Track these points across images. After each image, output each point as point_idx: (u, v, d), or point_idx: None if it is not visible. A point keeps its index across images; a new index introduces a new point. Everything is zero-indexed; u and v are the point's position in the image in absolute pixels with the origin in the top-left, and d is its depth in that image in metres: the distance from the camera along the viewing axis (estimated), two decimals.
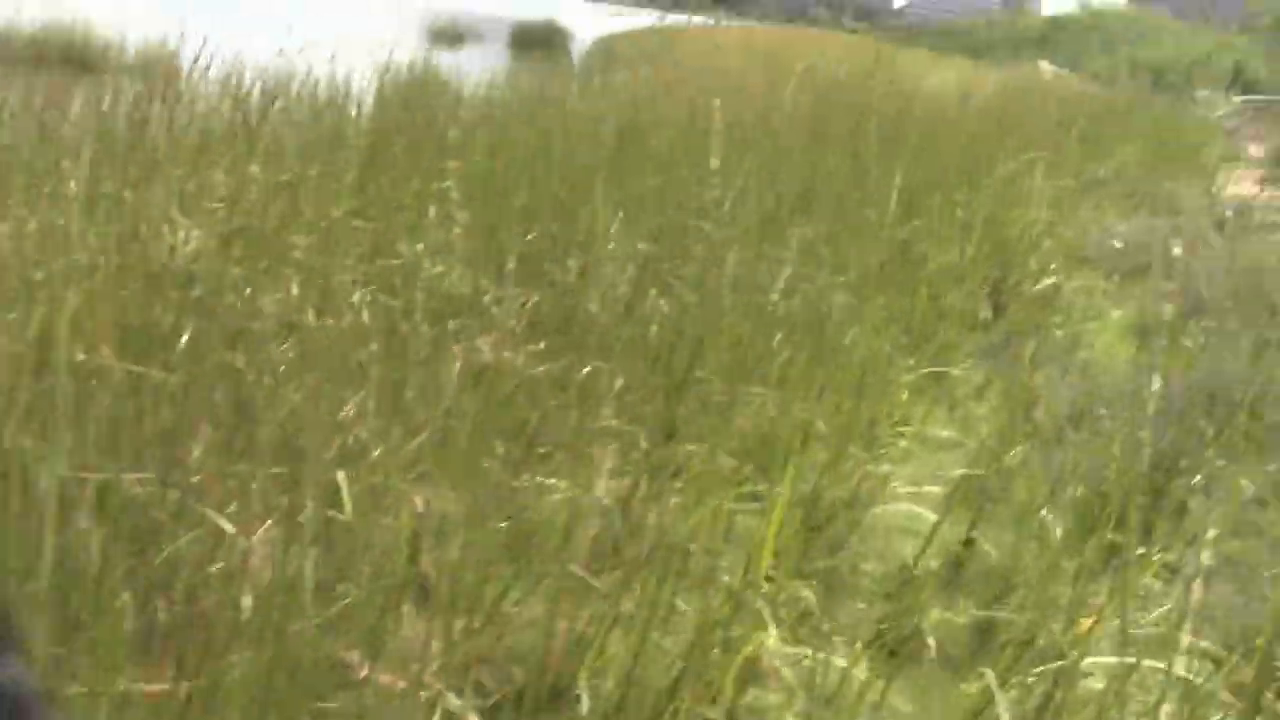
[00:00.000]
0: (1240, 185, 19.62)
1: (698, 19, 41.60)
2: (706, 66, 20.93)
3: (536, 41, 45.41)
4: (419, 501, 4.23)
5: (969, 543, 5.48)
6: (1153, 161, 18.43)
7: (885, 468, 5.90)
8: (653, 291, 6.68)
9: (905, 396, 6.95)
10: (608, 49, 37.36)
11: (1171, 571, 5.55)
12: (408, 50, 14.65)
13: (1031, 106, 19.97)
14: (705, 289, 6.49)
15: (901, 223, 9.01)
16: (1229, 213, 16.36)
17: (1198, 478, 6.29)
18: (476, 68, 15.79)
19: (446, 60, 17.63)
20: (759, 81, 16.40)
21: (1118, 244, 11.60)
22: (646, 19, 56.31)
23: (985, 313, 9.02)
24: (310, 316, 5.16)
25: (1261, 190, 18.51)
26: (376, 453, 4.40)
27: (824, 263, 7.53)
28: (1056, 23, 49.96)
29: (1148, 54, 38.46)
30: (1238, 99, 30.31)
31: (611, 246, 7.02)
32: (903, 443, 6.41)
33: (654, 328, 6.28)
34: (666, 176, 8.52)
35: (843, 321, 6.87)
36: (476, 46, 42.59)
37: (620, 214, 7.37)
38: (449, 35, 43.80)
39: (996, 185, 10.53)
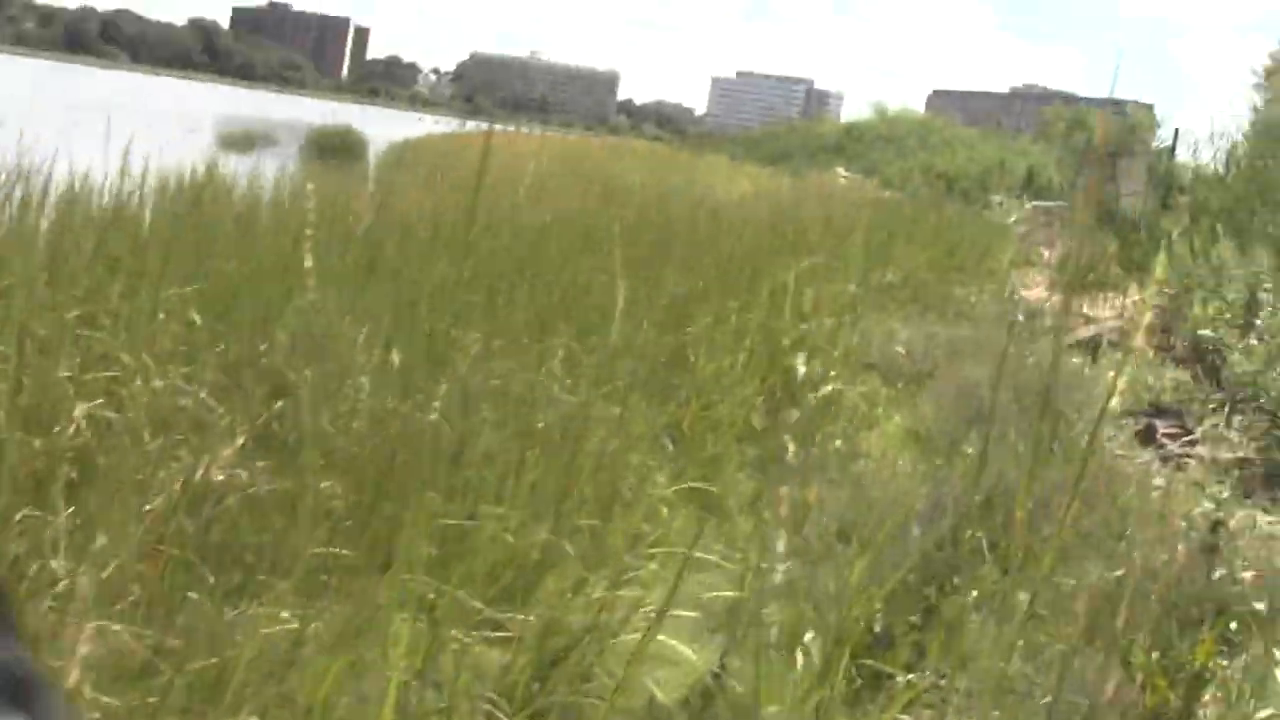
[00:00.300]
0: (1032, 289, 19.73)
1: (499, 126, 41.31)
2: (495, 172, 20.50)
3: (332, 147, 44.85)
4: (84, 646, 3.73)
5: (719, 674, 5.05)
6: (943, 266, 18.41)
7: (637, 592, 5.50)
8: (404, 404, 6.25)
9: (666, 513, 6.57)
10: (401, 155, 36.99)
11: (942, 698, 5.21)
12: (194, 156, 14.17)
13: (823, 212, 19.95)
14: (460, 402, 6.10)
15: (674, 330, 8.72)
16: (1019, 317, 16.38)
17: (973, 593, 6.01)
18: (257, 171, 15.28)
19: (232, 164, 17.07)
20: (544, 187, 16.21)
21: (900, 349, 11.40)
22: (446, 126, 56.24)
23: (760, 422, 8.69)
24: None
25: (1051, 294, 18.59)
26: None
27: (585, 374, 7.18)
28: (853, 131, 50.62)
29: (942, 160, 39.03)
30: (1030, 204, 30.70)
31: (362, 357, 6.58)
32: (652, 565, 5.98)
33: (394, 445, 5.84)
34: (428, 282, 8.10)
35: (601, 435, 6.50)
36: (271, 151, 42.10)
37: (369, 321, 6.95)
38: (240, 141, 43.21)
39: (775, 291, 10.29)
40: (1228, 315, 10.52)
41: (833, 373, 9.62)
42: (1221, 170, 20.21)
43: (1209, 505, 6.04)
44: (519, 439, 6.16)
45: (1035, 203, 30.76)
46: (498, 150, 24.70)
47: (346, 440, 5.79)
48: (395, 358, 6.77)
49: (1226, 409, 9.31)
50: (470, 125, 62.51)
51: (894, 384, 10.60)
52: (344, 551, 5.02)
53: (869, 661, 5.25)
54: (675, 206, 15.40)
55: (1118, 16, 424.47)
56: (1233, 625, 5.53)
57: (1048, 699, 4.81)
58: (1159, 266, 14.61)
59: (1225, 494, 6.91)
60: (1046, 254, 24.62)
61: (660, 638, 5.05)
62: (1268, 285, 10.31)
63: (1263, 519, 7.80)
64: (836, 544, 6.42)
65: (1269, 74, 21.25)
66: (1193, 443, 9.85)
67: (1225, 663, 5.23)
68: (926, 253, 18.58)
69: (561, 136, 56.88)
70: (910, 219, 21.27)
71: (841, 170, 39.25)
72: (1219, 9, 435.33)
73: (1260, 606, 5.68)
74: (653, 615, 5.37)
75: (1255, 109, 20.43)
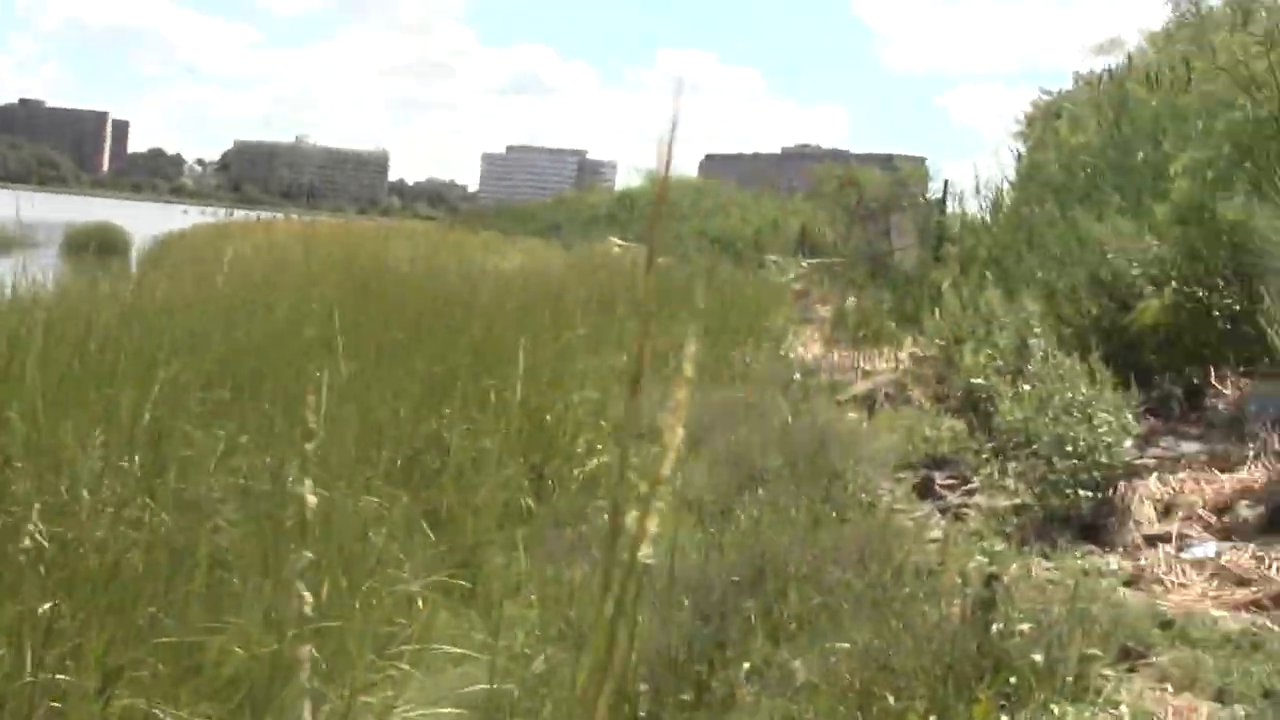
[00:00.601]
0: (810, 347, 19.72)
1: (266, 215, 40.77)
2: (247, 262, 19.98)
3: (91, 243, 43.71)
4: None
5: None
6: (716, 330, 18.26)
7: (388, 693, 5.13)
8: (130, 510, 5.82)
9: (421, 606, 6.21)
10: (164, 249, 36.15)
11: None
12: None
13: (593, 283, 19.76)
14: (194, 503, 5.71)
15: (429, 413, 8.39)
16: (796, 376, 16.30)
17: (745, 666, 5.75)
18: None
19: None
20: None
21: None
22: (213, 217, 55.29)
23: (527, 501, 8.37)
24: None
25: (829, 351, 18.58)
26: None
27: (329, 466, 6.81)
28: (624, 199, 50.69)
29: (715, 224, 39.19)
30: (805, 263, 30.92)
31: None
32: (404, 665, 5.61)
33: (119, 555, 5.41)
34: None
35: (351, 528, 6.14)
36: (31, 253, 40.94)
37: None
38: None
39: (539, 367, 10.00)
40: (999, 362, 10.46)
41: (599, 446, 9.33)
42: (988, 219, 20.43)
43: (982, 559, 5.85)
44: (258, 540, 5.78)
45: (810, 260, 31.00)
46: (255, 235, 24.19)
47: (67, 555, 5.34)
48: (127, 462, 6.32)
49: (1001, 457, 9.22)
50: (239, 214, 61.69)
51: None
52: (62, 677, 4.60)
53: None
54: (435, 286, 15.02)
55: (884, 74, 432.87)
56: (1012, 680, 5.32)
57: None
58: (928, 318, 14.75)
59: (998, 546, 6.77)
60: (823, 310, 24.75)
61: None
62: (1037, 330, 10.26)
63: (1040, 565, 7.68)
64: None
65: (1029, 121, 21.56)
66: (971, 492, 9.75)
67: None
68: (700, 318, 18.40)
69: (330, 221, 56.25)
70: (681, 286, 21.11)
71: (615, 239, 39.19)
72: (985, 61, 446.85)
73: (1038, 658, 5.49)
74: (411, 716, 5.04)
75: (1018, 156, 20.69)
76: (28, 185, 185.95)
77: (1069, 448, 8.33)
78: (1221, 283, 11.39)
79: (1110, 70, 18.83)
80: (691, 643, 5.73)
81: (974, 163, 51.38)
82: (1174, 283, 11.45)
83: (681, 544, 7.78)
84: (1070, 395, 8.63)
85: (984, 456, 9.05)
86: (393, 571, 6.83)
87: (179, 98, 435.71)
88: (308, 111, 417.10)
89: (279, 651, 4.82)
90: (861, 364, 17.12)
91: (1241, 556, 7.71)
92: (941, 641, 5.27)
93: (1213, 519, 8.60)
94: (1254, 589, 7.12)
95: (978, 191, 21.34)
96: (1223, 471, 9.42)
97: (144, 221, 51.03)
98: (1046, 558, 7.86)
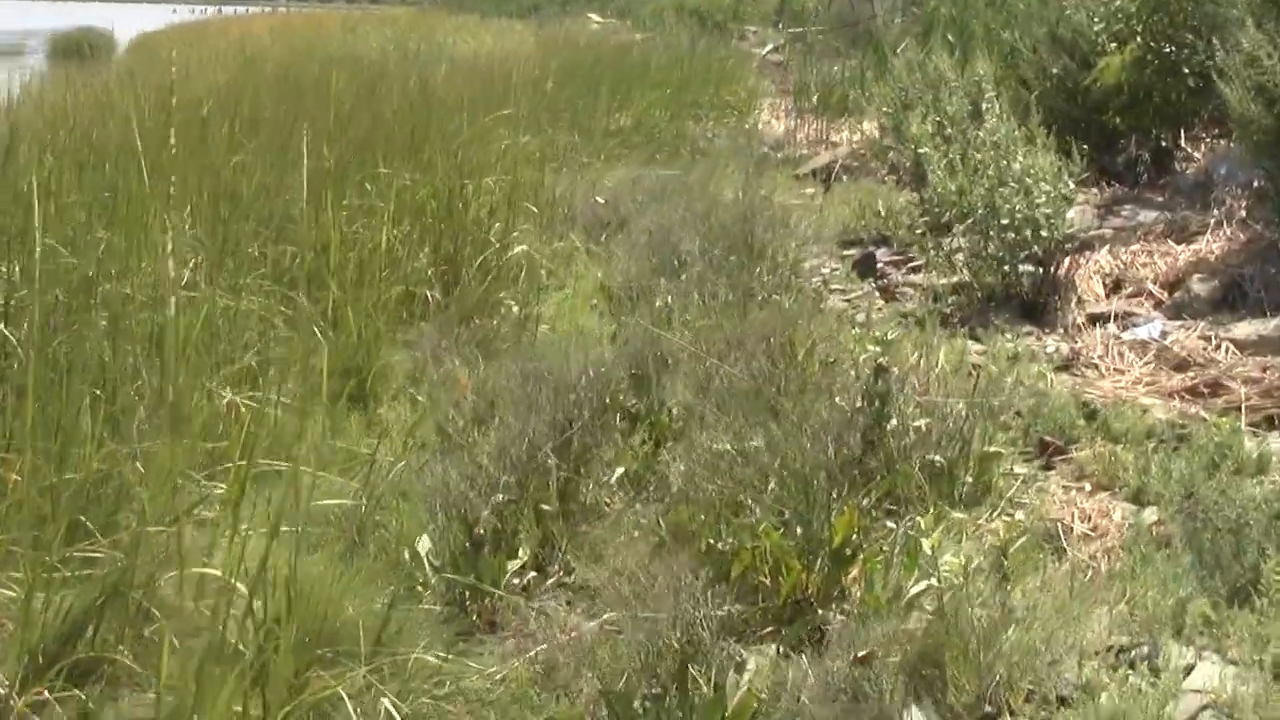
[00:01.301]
0: (780, 120, 19.01)
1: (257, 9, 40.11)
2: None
3: (76, 49, 43.15)
4: None
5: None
6: (679, 104, 17.58)
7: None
8: None
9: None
10: (145, 46, 35.56)
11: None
12: None
13: (549, 60, 19.07)
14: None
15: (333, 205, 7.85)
16: (764, 149, 15.67)
17: (619, 470, 5.32)
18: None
19: None
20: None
21: (601, 200, 10.56)
22: (203, 14, 54.67)
23: (435, 295, 7.85)
24: None
25: (801, 124, 17.86)
26: None
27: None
28: None
29: None
30: (787, 32, 30.02)
31: None
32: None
33: None
34: None
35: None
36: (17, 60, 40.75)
37: None
38: None
39: (464, 151, 9.42)
40: (948, 130, 9.80)
41: (515, 233, 8.78)
42: None
43: (874, 348, 5.32)
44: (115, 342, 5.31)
45: (791, 30, 30.07)
46: (230, 30, 23.75)
47: None
48: None
49: (937, 232, 8.65)
50: (227, 10, 60.85)
51: (598, 239, 9.79)
52: None
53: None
54: (389, 71, 14.34)
55: None
56: (902, 485, 4.83)
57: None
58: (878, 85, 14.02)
59: (897, 331, 6.25)
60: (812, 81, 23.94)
61: None
62: (990, 94, 9.64)
63: (970, 350, 7.19)
64: (471, 429, 5.64)
65: None
66: (916, 270, 9.23)
67: (894, 526, 4.54)
68: (662, 93, 17.72)
69: (317, 11, 55.51)
70: (646, 59, 20.39)
71: (594, 16, 38.18)
72: None
73: (936, 458, 5.00)
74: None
75: None
76: None
77: (1005, 220, 7.75)
78: (1191, 36, 10.66)
79: None
80: (566, 444, 5.24)
81: None
82: (1138, 38, 10.73)
83: (588, 332, 7.35)
84: (1005, 163, 8.02)
85: (919, 232, 8.48)
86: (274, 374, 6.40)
87: None
88: None
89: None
90: (830, 136, 16.49)
91: (1189, 336, 7.15)
92: (823, 442, 4.77)
93: (1164, 296, 8.02)
94: (1192, 374, 6.58)
95: None
96: (1180, 243, 8.81)
97: (131, 24, 50.56)
98: (977, 340, 7.35)
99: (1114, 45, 10.91)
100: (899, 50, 13.98)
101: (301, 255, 7.23)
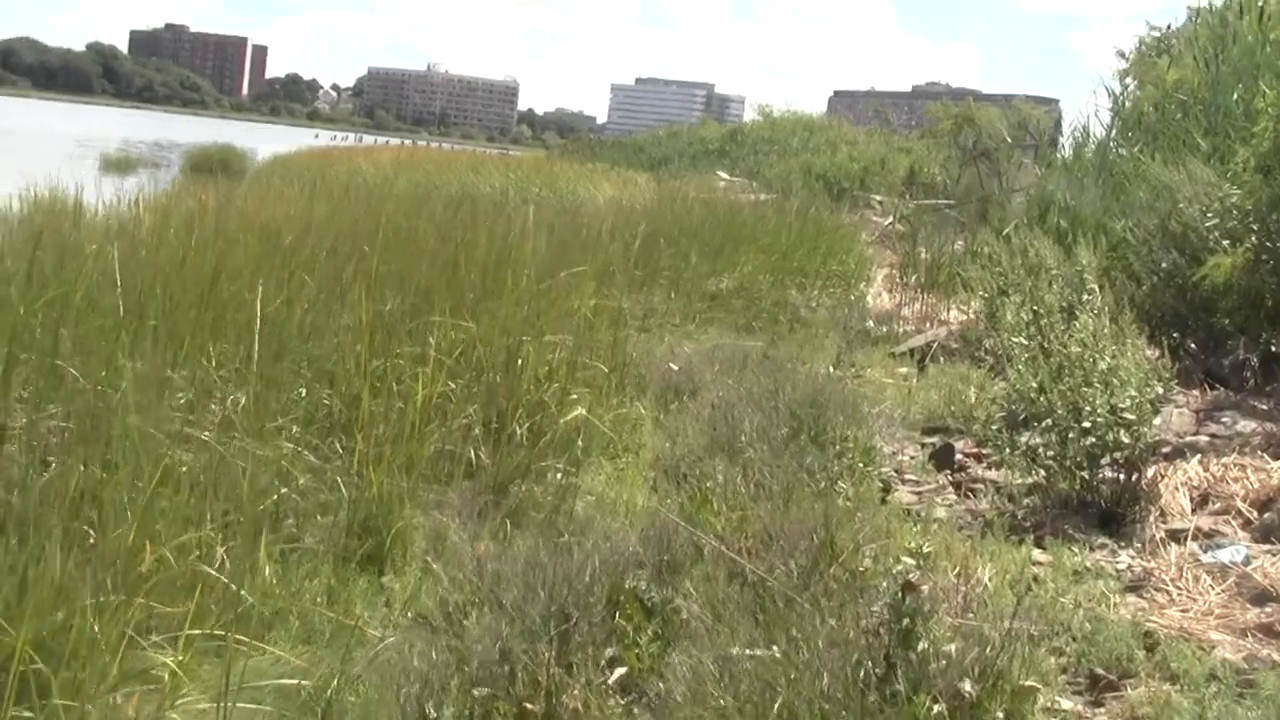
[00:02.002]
0: (891, 293, 18.63)
1: (395, 140, 40.90)
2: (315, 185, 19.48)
3: (212, 165, 44.00)
4: None
5: None
6: (788, 270, 17.24)
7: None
8: None
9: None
10: (269, 170, 36.18)
11: None
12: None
13: (659, 214, 18.91)
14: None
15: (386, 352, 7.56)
16: (868, 323, 15.28)
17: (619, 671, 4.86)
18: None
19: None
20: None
21: (675, 367, 10.16)
22: (343, 141, 55.82)
23: (482, 453, 7.48)
24: None
25: (915, 297, 17.45)
26: None
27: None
28: (736, 133, 49.61)
29: (822, 161, 38.00)
30: (913, 203, 29.72)
31: None
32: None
33: None
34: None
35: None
36: (152, 172, 41.73)
37: None
38: (120, 163, 42.67)
39: (535, 304, 9.13)
40: (1043, 321, 9.33)
41: (574, 395, 8.40)
42: (1068, 161, 19.11)
43: (909, 561, 4.85)
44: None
45: (919, 201, 29.81)
46: (357, 159, 24.03)
47: None
48: None
49: (1014, 428, 8.15)
50: (367, 140, 62.19)
51: (668, 406, 9.38)
52: None
53: None
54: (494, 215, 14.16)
55: (1019, 12, 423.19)
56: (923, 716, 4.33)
57: None
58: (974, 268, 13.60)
59: (948, 536, 5.76)
60: (925, 255, 23.61)
61: None
62: (1092, 286, 9.18)
63: (1039, 557, 6.68)
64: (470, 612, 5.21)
65: (1134, 58, 20.09)
66: (998, 465, 8.71)
67: None
68: (766, 255, 17.40)
69: (451, 149, 56.30)
70: (757, 221, 20.13)
71: (723, 174, 38.22)
72: (1120, 1, 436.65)
73: (966, 688, 4.49)
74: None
75: (1114, 95, 19.25)
76: (171, 107, 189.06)
77: (1086, 424, 7.25)
78: None
79: (1217, 2, 17.35)
80: (565, 635, 4.81)
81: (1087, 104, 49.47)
82: (1253, 237, 10.23)
83: (631, 508, 6.95)
84: (1093, 361, 7.53)
85: (994, 427, 7.98)
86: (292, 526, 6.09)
87: (314, 23, 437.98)
88: (440, 39, 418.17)
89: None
90: (937, 314, 16.07)
91: (1274, 565, 6.55)
92: (843, 660, 4.29)
93: (1254, 516, 7.40)
94: (1269, 610, 5.99)
95: (1071, 135, 20.01)
96: (1277, 459, 8.21)
97: (271, 144, 51.79)
98: (1044, 548, 6.83)
99: (1226, 243, 10.42)
100: (1005, 232, 13.59)
101: (335, 401, 6.93)
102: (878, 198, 32.49)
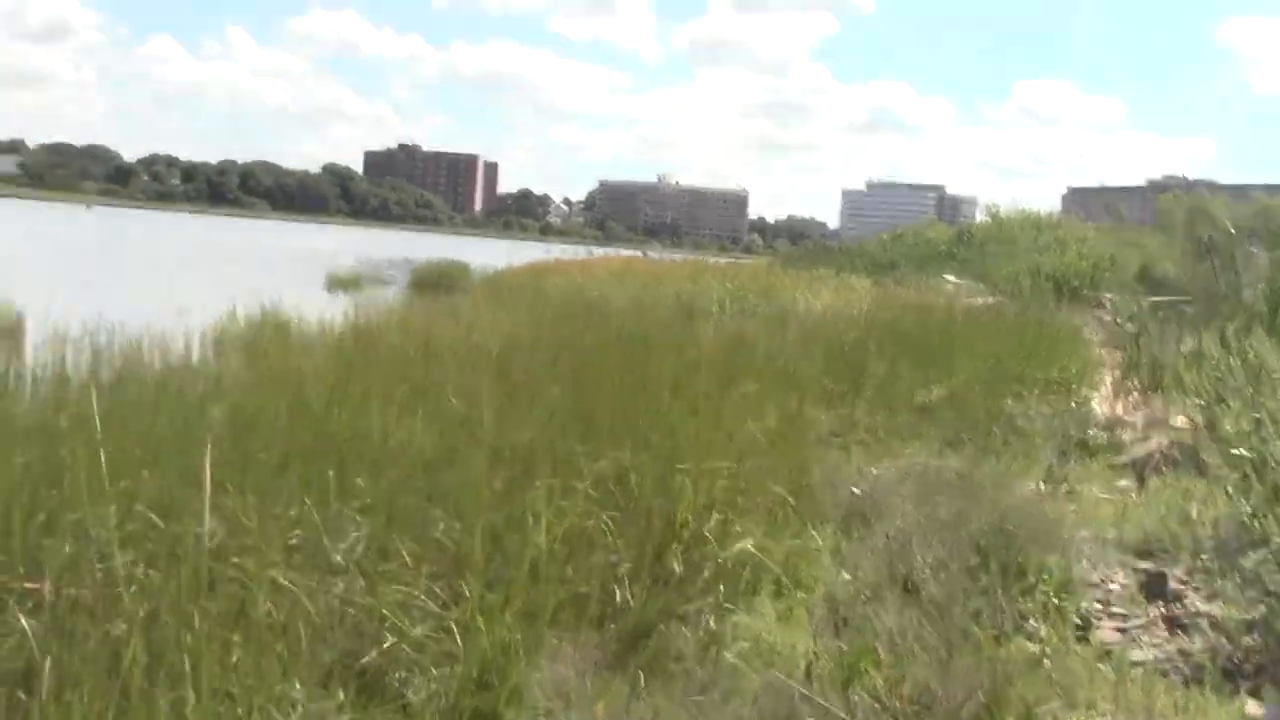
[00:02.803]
0: (1118, 399, 17.56)
1: (627, 251, 40.83)
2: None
3: (436, 281, 44.56)
4: None
5: None
6: (1005, 378, 16.27)
7: None
8: None
9: None
10: (487, 285, 36.44)
11: None
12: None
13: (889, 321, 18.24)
14: None
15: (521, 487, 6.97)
16: (1091, 431, 14.31)
17: None
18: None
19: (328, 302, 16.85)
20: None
21: (857, 491, 9.32)
22: (574, 254, 56.22)
23: (626, 595, 6.81)
24: None
25: (1142, 402, 16.40)
26: None
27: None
28: (964, 234, 48.52)
29: (1051, 260, 36.85)
30: (1146, 301, 28.43)
31: None
32: None
33: None
34: None
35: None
36: (378, 289, 42.56)
37: None
38: (347, 282, 43.61)
39: (702, 427, 8.49)
40: (1267, 431, 8.37)
41: (738, 527, 7.69)
42: None
43: None
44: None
45: (1151, 299, 28.58)
46: (573, 272, 23.89)
47: None
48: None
49: (1224, 556, 7.22)
50: (598, 252, 62.76)
51: (850, 533, 8.60)
52: None
53: None
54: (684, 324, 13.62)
55: (1255, 100, 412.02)
56: None
57: None
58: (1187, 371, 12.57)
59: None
60: (1153, 356, 22.45)
61: None
62: None
63: (1254, 712, 5.79)
64: None
65: None
66: (1214, 596, 7.76)
67: None
68: (983, 362, 16.46)
69: (683, 259, 56.43)
70: (974, 325, 19.26)
71: (949, 277, 37.25)
72: None
73: None
74: None
75: None
76: (405, 225, 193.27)
77: None
78: None
79: None
80: None
81: None
82: None
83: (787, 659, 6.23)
84: None
85: (1206, 554, 7.07)
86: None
87: (547, 140, 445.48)
88: (669, 152, 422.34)
89: None
90: (1165, 420, 14.99)
91: None
92: None
93: None
94: None
95: None
96: None
97: (501, 259, 52.49)
98: (1260, 700, 5.91)
99: None
100: (1230, 330, 12.58)
101: (462, 538, 6.34)
102: (1109, 296, 31.27)
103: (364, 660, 5.47)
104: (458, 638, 5.83)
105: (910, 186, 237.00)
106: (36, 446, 6.20)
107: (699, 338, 12.00)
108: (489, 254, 59.89)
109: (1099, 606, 7.63)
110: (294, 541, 6.08)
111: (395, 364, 9.42)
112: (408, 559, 6.17)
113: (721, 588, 7.13)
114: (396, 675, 5.59)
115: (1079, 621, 6.98)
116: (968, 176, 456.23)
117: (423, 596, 6.05)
